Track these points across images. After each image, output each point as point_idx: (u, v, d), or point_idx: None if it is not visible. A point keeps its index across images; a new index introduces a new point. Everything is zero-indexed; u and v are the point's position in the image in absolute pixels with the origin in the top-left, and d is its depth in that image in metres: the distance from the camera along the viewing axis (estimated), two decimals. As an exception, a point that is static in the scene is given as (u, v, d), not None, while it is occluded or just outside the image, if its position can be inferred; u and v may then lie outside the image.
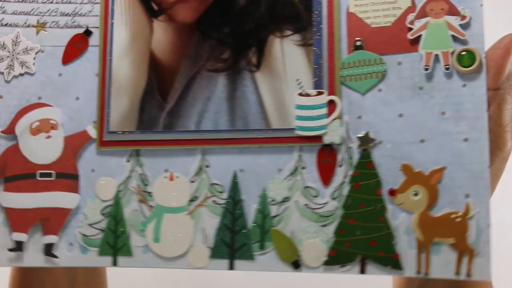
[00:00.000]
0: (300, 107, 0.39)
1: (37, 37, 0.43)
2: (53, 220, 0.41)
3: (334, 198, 0.39)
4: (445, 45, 0.37)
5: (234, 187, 0.40)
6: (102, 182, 0.41)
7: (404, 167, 0.37)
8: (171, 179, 0.41)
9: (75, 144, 0.41)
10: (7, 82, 0.42)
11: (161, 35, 0.42)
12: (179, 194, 0.41)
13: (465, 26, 0.37)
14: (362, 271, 0.37)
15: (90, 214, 0.41)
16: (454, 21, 0.37)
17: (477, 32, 0.36)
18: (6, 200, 0.41)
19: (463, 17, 0.37)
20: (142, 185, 0.41)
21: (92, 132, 0.41)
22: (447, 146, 0.36)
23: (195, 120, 0.41)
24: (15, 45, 0.42)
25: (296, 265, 0.38)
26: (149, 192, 0.41)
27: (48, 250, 0.40)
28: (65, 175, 0.41)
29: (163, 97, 0.41)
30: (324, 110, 0.39)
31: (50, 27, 0.43)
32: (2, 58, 0.42)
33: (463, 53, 0.37)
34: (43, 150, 0.41)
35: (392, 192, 0.37)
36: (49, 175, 0.41)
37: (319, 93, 0.39)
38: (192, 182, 0.41)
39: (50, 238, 0.41)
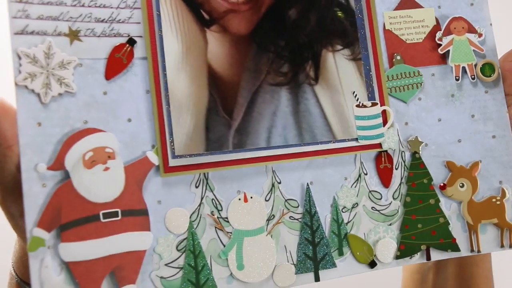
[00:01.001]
0: (360, 117, 0.51)
1: (71, 47, 0.43)
2: (128, 267, 0.43)
3: (395, 198, 0.51)
4: (470, 58, 0.54)
5: (309, 200, 0.48)
6: (173, 214, 0.45)
7: (449, 164, 0.53)
8: (245, 200, 0.47)
9: (138, 174, 0.44)
10: (45, 105, 0.42)
11: (217, 46, 0.48)
12: (256, 214, 0.47)
13: (482, 42, 0.54)
14: (428, 258, 0.51)
15: (165, 253, 0.45)
16: (474, 38, 0.54)
17: (491, 47, 0.55)
18: (68, 253, 0.42)
19: (480, 35, 0.54)
20: (216, 211, 0.46)
21: (154, 158, 0.45)
22: (479, 143, 0.54)
23: (265, 136, 0.48)
24: (49, 58, 0.43)
25: (372, 264, 0.49)
26: (225, 218, 0.46)
27: (128, 302, 0.42)
28: (133, 212, 0.44)
29: (228, 114, 0.47)
30: (380, 120, 0.51)
31: (86, 35, 0.44)
32: (35, 75, 0.42)
33: (484, 64, 0.53)
34: (103, 186, 0.43)
35: (443, 187, 0.52)
36: (115, 214, 0.43)
37: (373, 104, 0.51)
38: (267, 200, 0.47)
39: (128, 288, 0.42)
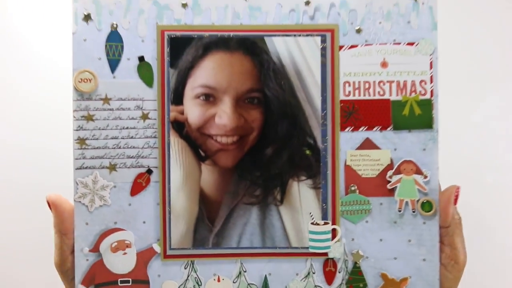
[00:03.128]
0: (312, 232, 0.82)
1: (110, 175, 0.82)
2: None
3: (335, 294, 0.82)
4: (413, 195, 0.81)
5: (265, 286, 0.82)
6: (167, 284, 0.82)
7: (383, 275, 0.82)
8: (218, 280, 0.83)
9: (145, 258, 0.83)
10: (90, 212, 0.82)
11: (208, 176, 0.83)
12: None
13: (427, 183, 0.79)
14: None
15: (159, 307, 0.83)
16: (420, 178, 0.80)
17: (434, 187, 0.81)
18: None
19: (425, 177, 0.80)
20: (197, 285, 0.82)
21: (157, 249, 0.83)
22: (411, 263, 0.82)
23: (236, 240, 0.83)
24: (94, 184, 0.82)
25: (310, 339, 0.83)
26: None
27: (131, 335, 0.83)
28: (139, 281, 0.83)
29: (211, 223, 0.83)
30: (329, 235, 0.82)
31: (120, 167, 0.82)
32: (86, 195, 0.82)
33: (425, 201, 0.79)
34: (121, 264, 0.83)
35: (375, 292, 0.81)
36: (127, 281, 0.83)
37: (325, 223, 0.81)
38: (234, 282, 0.82)
39: (132, 327, 0.83)
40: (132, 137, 0.87)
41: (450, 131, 1.08)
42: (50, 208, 0.88)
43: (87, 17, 0.86)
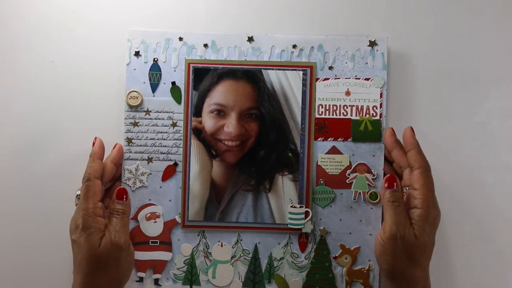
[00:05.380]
0: (291, 213, 1.19)
1: (148, 165, 1.19)
2: (158, 266, 1.21)
3: (306, 258, 1.18)
4: (364, 188, 1.17)
5: (255, 251, 1.19)
6: (184, 246, 1.18)
7: (341, 246, 1.19)
8: (222, 246, 1.19)
9: (170, 226, 1.20)
10: (133, 191, 1.19)
11: (217, 168, 1.20)
12: (226, 253, 1.18)
13: (374, 179, 1.15)
14: (317, 295, 1.18)
15: (178, 263, 1.21)
16: (369, 176, 1.16)
17: (380, 182, 1.15)
18: (134, 255, 1.19)
19: (374, 175, 1.17)
20: (205, 248, 1.19)
21: (179, 220, 1.21)
22: (361, 237, 1.19)
23: (236, 217, 1.19)
24: (136, 171, 1.19)
25: (286, 291, 1.18)
26: (210, 252, 1.19)
27: (156, 282, 1.19)
28: (164, 243, 1.21)
29: (218, 203, 1.20)
30: (303, 215, 1.19)
31: (155, 160, 1.20)
32: (130, 178, 1.19)
33: (372, 193, 1.14)
34: (152, 229, 1.21)
35: (335, 257, 1.18)
36: (156, 242, 1.21)
37: (301, 207, 1.17)
38: (233, 248, 1.19)
39: (157, 276, 1.20)
40: (164, 139, 1.24)
41: (451, 131, 1.27)
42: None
43: (137, 53, 1.23)
